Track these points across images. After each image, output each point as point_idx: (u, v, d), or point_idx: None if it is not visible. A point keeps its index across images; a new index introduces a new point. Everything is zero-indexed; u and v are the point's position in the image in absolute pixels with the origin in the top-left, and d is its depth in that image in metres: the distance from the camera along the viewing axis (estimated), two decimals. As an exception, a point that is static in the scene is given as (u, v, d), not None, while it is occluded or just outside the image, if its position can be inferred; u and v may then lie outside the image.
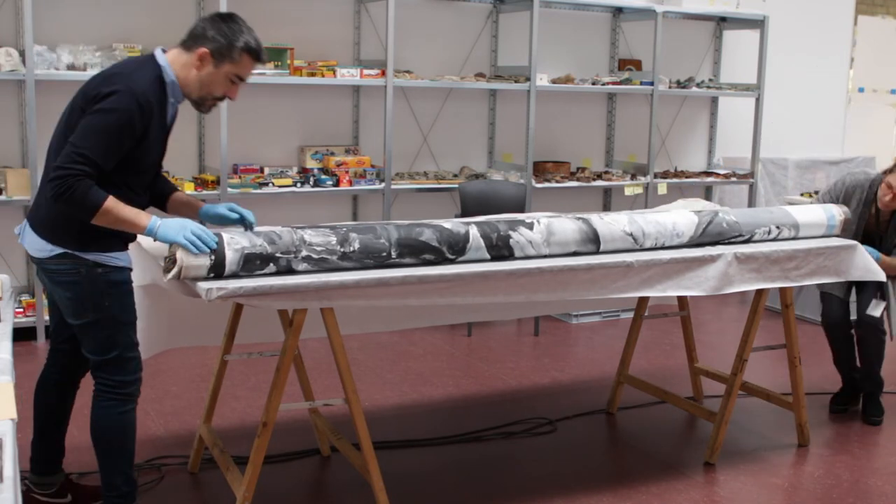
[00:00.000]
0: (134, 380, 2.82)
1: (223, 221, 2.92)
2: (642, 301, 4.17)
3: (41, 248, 2.71)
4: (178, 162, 5.59)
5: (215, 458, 3.28)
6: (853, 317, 4.23)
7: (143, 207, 2.76)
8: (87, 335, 2.76)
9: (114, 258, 2.74)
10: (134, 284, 2.91)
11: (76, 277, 2.69)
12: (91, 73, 4.92)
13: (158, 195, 2.98)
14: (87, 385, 3.04)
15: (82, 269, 2.69)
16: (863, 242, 3.88)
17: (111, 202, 2.56)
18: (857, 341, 4.22)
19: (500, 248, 3.12)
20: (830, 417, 4.28)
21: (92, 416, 2.83)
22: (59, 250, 2.68)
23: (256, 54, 2.74)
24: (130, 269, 2.82)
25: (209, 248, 2.63)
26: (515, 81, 6.19)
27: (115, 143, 2.56)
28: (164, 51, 2.76)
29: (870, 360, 4.19)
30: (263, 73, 5.39)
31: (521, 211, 5.71)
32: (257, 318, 3.33)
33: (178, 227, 2.62)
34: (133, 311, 2.82)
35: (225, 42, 2.68)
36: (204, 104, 2.80)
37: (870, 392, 4.26)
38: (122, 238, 2.77)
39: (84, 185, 2.51)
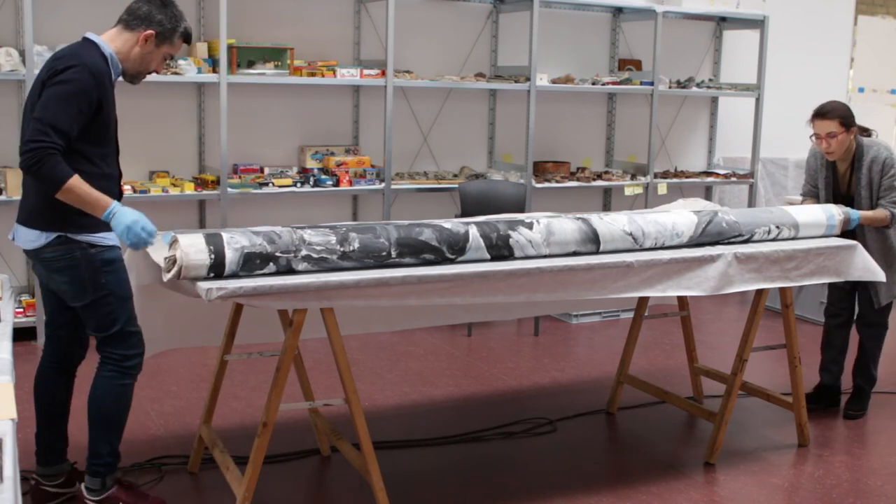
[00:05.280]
0: (136, 354, 2.95)
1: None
2: (642, 301, 4.16)
3: (34, 238, 2.83)
4: (178, 162, 5.59)
5: (215, 458, 3.28)
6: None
7: (117, 181, 2.93)
8: (89, 315, 2.89)
9: (104, 238, 2.86)
10: (133, 285, 2.98)
11: (72, 262, 2.82)
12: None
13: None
14: (84, 379, 3.07)
15: (77, 251, 2.82)
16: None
17: (76, 180, 2.68)
18: (859, 340, 4.23)
19: (499, 248, 3.11)
20: (831, 417, 4.27)
21: (92, 385, 2.94)
22: (52, 235, 2.80)
23: (189, 38, 3.06)
24: (119, 247, 2.93)
25: (146, 244, 2.73)
26: (515, 81, 6.18)
27: (75, 109, 2.70)
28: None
29: (867, 354, 4.21)
30: (263, 73, 5.39)
31: (521, 211, 5.71)
32: (257, 318, 3.33)
33: (128, 222, 2.69)
34: (129, 286, 2.96)
35: (169, 27, 2.94)
36: (137, 77, 3.01)
37: (860, 386, 4.28)
38: None
39: (53, 160, 2.64)
